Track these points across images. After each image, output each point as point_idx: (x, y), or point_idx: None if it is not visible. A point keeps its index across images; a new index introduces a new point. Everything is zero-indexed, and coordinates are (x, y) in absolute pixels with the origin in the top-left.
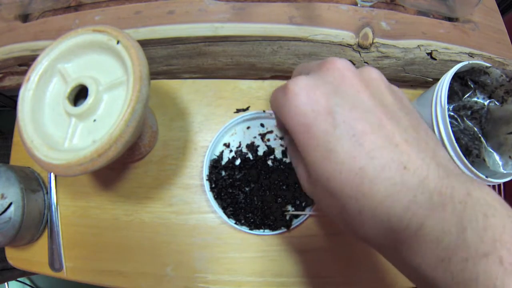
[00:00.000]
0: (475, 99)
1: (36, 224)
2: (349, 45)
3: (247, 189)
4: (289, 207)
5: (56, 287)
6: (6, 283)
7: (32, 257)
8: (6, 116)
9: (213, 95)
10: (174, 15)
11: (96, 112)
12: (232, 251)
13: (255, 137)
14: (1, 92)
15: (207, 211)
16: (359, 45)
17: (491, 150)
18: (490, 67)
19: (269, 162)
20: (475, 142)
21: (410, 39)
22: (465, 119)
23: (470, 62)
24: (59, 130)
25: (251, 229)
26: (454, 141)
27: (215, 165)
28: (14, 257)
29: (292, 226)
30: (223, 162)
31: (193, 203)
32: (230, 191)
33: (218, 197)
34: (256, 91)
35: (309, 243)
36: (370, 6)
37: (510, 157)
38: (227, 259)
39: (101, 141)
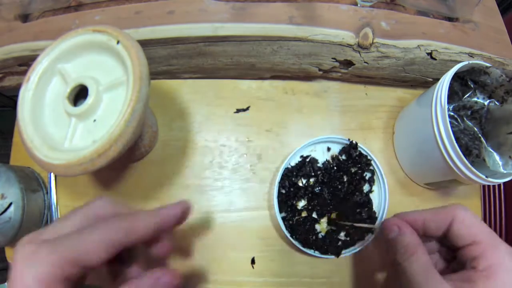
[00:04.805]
0: (475, 99)
1: (36, 224)
2: (349, 45)
3: (310, 207)
4: (342, 234)
5: None
6: (6, 283)
7: None
8: (6, 116)
9: (213, 95)
10: (174, 15)
11: (96, 112)
12: (232, 251)
13: (333, 159)
14: (1, 92)
15: (207, 211)
16: (359, 45)
17: (491, 150)
18: (490, 67)
19: (340, 187)
20: (475, 142)
21: (410, 39)
22: (465, 119)
23: (470, 62)
24: (59, 130)
25: (303, 246)
26: (454, 141)
27: (288, 174)
28: None
29: (342, 255)
30: (297, 172)
31: (193, 203)
32: (293, 203)
33: (280, 206)
34: (256, 91)
35: None
36: (370, 6)
37: (510, 157)
38: (227, 259)
39: (101, 141)
